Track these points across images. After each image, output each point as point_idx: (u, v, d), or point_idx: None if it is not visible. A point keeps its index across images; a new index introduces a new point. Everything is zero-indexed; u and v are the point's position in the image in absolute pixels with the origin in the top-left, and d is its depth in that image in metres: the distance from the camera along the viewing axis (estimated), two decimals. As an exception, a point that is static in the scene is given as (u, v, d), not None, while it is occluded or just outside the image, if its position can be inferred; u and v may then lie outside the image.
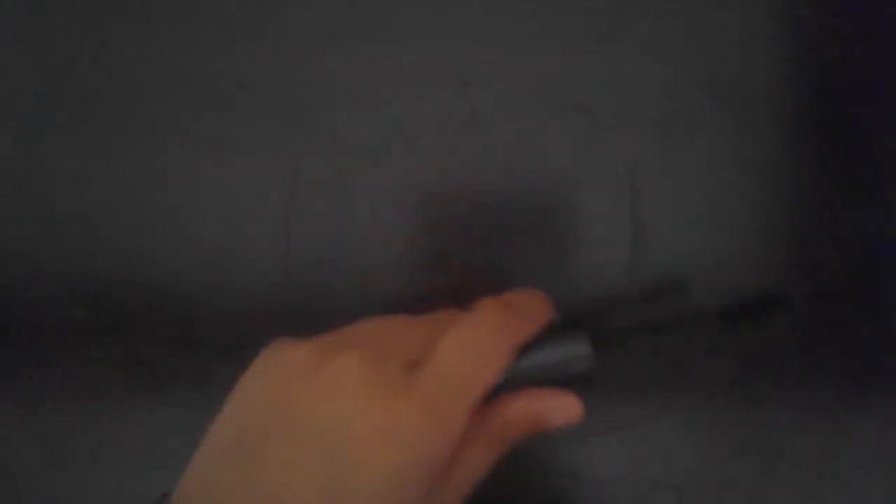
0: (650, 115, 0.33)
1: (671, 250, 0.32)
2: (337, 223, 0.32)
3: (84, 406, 0.31)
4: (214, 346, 0.31)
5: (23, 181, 0.33)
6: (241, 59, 0.33)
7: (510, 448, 0.25)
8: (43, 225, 0.32)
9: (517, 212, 0.32)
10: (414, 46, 0.33)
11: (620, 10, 0.33)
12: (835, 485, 0.31)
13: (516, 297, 0.26)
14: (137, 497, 0.31)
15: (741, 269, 0.32)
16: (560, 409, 0.25)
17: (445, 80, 0.33)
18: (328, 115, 0.33)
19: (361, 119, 0.33)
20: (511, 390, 0.25)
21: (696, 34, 0.33)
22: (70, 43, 0.34)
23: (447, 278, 0.32)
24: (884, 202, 0.32)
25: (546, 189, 0.32)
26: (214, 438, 0.23)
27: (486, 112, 0.33)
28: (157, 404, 0.31)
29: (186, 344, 0.31)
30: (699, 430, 0.31)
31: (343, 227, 0.32)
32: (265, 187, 0.32)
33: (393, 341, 0.23)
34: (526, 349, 0.25)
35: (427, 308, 0.27)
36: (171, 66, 0.33)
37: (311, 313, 0.32)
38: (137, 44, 0.33)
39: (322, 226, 0.32)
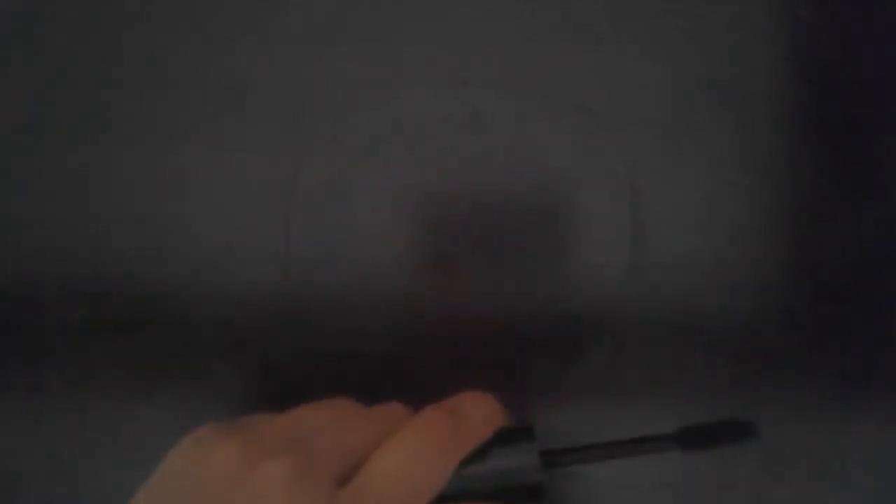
0: (650, 115, 0.33)
1: (671, 250, 0.32)
2: (337, 223, 0.32)
3: (84, 406, 0.31)
4: (214, 346, 0.31)
5: (22, 181, 0.33)
6: (241, 59, 0.33)
7: None
8: (43, 225, 0.32)
9: (517, 212, 0.32)
10: (414, 46, 0.33)
11: (620, 10, 0.33)
12: (835, 485, 0.31)
13: (462, 405, 0.24)
14: (137, 497, 0.31)
15: (741, 269, 0.32)
16: None
17: (445, 80, 0.33)
18: (328, 115, 0.33)
19: (361, 119, 0.33)
20: (453, 498, 0.23)
21: (696, 34, 0.33)
22: (70, 43, 0.34)
23: (447, 278, 0.32)
24: (884, 202, 0.32)
25: (546, 189, 0.32)
26: None
27: (486, 112, 0.33)
28: (156, 404, 0.31)
29: (186, 344, 0.31)
30: (699, 430, 0.31)
31: (343, 227, 0.32)
32: (265, 187, 0.32)
33: (327, 443, 0.22)
34: (472, 455, 0.24)
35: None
36: (170, 66, 0.33)
37: (311, 313, 0.32)
38: (137, 43, 0.33)
39: (322, 226, 0.32)
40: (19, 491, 0.31)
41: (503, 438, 0.25)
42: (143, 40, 0.33)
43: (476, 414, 0.24)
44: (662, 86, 0.33)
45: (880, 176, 0.32)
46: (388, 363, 0.31)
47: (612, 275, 0.32)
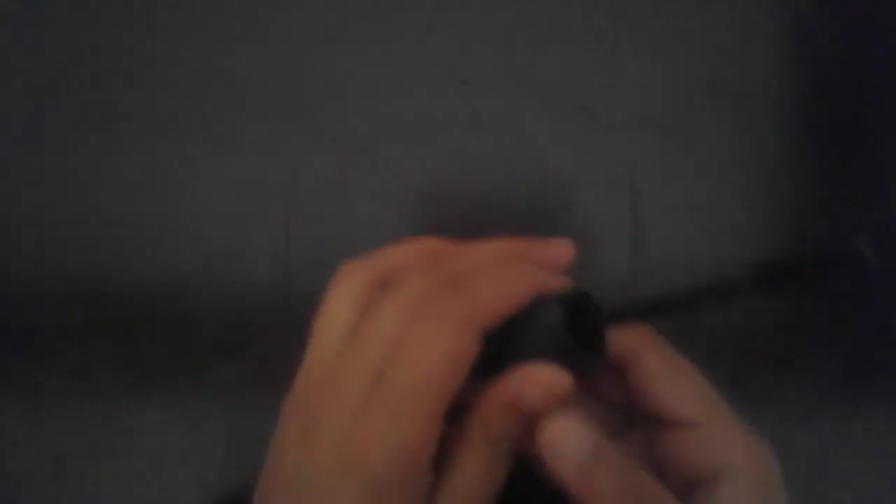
0: (650, 115, 0.33)
1: (671, 250, 0.32)
2: (337, 223, 0.32)
3: (84, 406, 0.31)
4: (214, 345, 0.31)
5: (22, 181, 0.33)
6: (241, 59, 0.33)
7: (508, 452, 0.22)
8: (43, 225, 0.32)
9: (517, 212, 0.32)
10: (414, 46, 0.33)
11: (620, 10, 0.33)
12: (835, 484, 0.31)
13: (476, 278, 0.23)
14: (137, 497, 0.31)
15: (741, 269, 0.32)
16: (532, 384, 0.21)
17: (445, 80, 0.33)
18: (328, 115, 0.33)
19: (362, 119, 0.33)
20: (492, 374, 0.22)
21: (696, 34, 0.33)
22: (70, 43, 0.34)
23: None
24: (884, 202, 0.32)
25: (546, 189, 0.32)
26: (258, 486, 0.24)
27: (486, 112, 0.33)
28: (157, 404, 0.31)
29: (186, 344, 0.31)
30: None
31: (343, 227, 0.32)
32: (265, 187, 0.32)
33: (359, 356, 0.22)
34: (503, 332, 0.22)
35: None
36: (170, 66, 0.33)
37: (311, 313, 0.32)
38: (137, 44, 0.33)
39: (322, 226, 0.32)
40: (19, 491, 0.31)
41: (535, 309, 0.23)
42: (143, 40, 0.33)
43: (492, 284, 0.23)
44: (662, 86, 0.33)
45: (880, 176, 0.32)
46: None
47: (612, 275, 0.32)
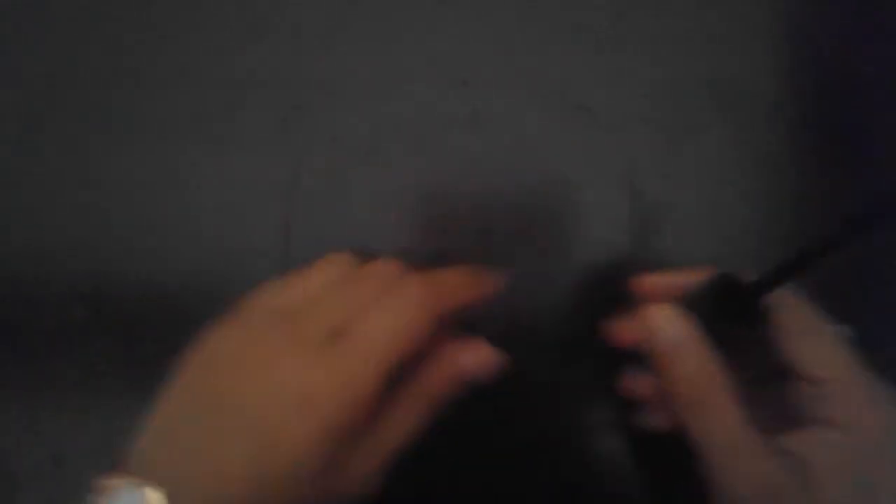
0: (650, 115, 0.33)
1: (671, 250, 0.32)
2: (337, 223, 0.32)
3: (84, 406, 0.31)
4: (214, 346, 0.31)
5: (23, 181, 0.33)
6: (242, 59, 0.33)
7: (433, 408, 0.25)
8: (43, 225, 0.32)
9: (517, 212, 0.32)
10: (414, 46, 0.33)
11: (620, 10, 0.33)
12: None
13: (441, 275, 0.27)
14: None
15: (741, 269, 0.32)
16: (471, 358, 0.26)
17: (445, 80, 0.33)
18: (328, 115, 0.33)
19: (362, 119, 0.33)
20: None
21: (696, 34, 0.33)
22: (70, 43, 0.34)
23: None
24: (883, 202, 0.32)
25: (546, 189, 0.32)
26: (165, 407, 0.25)
27: (487, 112, 0.33)
28: (157, 404, 0.31)
29: (186, 344, 0.31)
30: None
31: (343, 227, 0.32)
32: (265, 187, 0.32)
33: (320, 310, 0.25)
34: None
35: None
36: (171, 66, 0.33)
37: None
38: (138, 44, 0.33)
39: (322, 226, 0.32)
40: (20, 490, 0.31)
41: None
42: (143, 40, 0.33)
43: (452, 281, 0.27)
44: (662, 86, 0.33)
45: (880, 176, 0.32)
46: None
47: (612, 275, 0.32)
